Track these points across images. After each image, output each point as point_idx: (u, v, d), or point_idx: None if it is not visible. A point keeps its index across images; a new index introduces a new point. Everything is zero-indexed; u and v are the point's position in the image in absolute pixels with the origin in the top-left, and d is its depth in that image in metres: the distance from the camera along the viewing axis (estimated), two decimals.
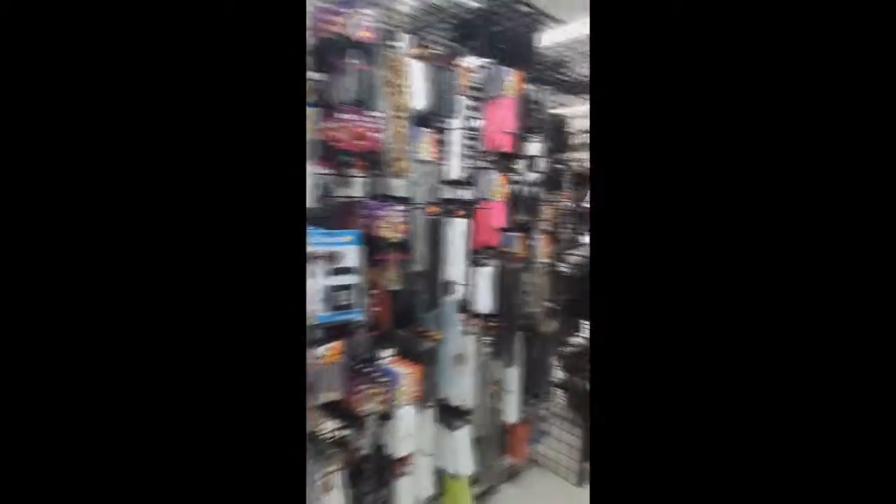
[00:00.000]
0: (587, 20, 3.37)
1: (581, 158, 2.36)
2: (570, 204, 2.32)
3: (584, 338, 2.34)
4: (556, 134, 2.20)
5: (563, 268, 2.25)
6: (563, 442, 2.28)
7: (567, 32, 3.01)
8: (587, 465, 2.16)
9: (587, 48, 2.37)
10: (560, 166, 2.24)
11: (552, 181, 2.16)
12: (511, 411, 2.01)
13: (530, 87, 1.93)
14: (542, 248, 2.05)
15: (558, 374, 2.42)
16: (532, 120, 1.95)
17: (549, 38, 2.76)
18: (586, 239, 2.37)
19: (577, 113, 2.46)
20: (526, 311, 1.99)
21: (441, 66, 1.57)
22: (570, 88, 2.23)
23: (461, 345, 1.71)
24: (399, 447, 1.51)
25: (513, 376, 2.00)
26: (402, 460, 1.55)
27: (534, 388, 2.13)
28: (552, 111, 2.20)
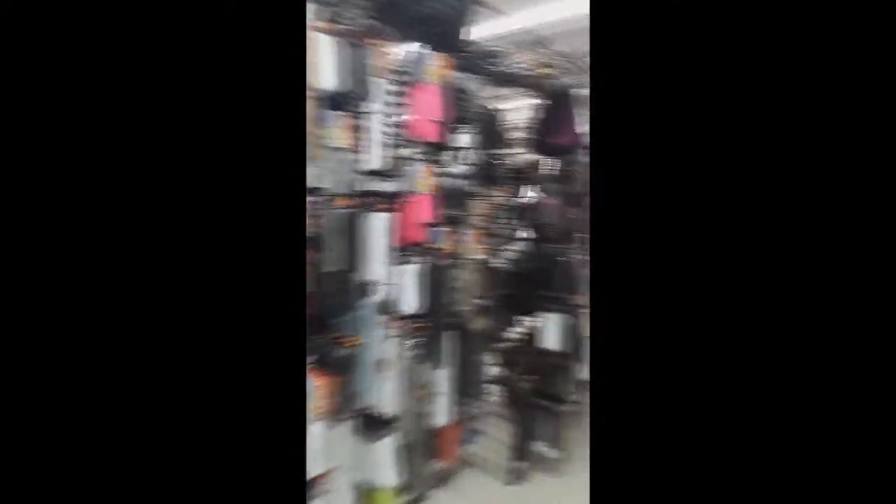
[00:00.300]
0: (528, 12, 3.36)
1: (516, 153, 2.30)
2: (505, 199, 2.26)
3: (520, 333, 2.30)
4: (489, 127, 2.12)
5: (497, 263, 2.19)
6: (496, 440, 2.23)
7: (507, 24, 2.95)
8: (518, 464, 2.12)
9: (524, 40, 2.32)
10: (494, 160, 2.16)
11: (485, 175, 2.08)
12: (441, 414, 1.92)
13: (459, 75, 1.83)
14: (472, 243, 1.96)
15: (493, 370, 2.36)
16: (462, 110, 1.85)
17: (485, 29, 2.68)
18: (522, 234, 2.32)
19: (512, 108, 2.40)
20: (455, 310, 1.90)
21: (356, 43, 1.42)
22: (504, 81, 2.15)
23: (383, 349, 1.59)
24: (311, 466, 1.36)
25: (442, 378, 1.90)
26: (317, 479, 1.40)
27: (465, 388, 2.06)
28: (485, 103, 2.12)
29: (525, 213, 2.16)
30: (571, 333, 2.08)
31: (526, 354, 2.15)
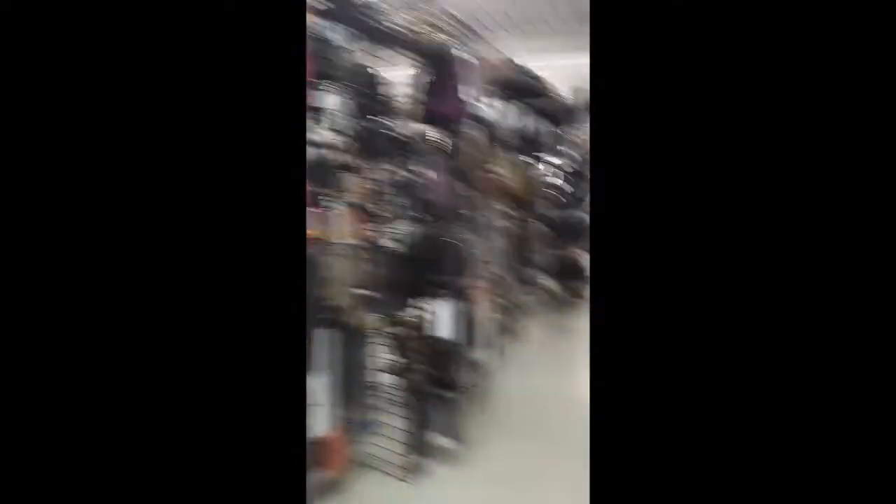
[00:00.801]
0: None
1: (397, 123, 2.04)
2: (389, 174, 2.01)
3: (408, 322, 2.10)
4: (366, 90, 1.83)
5: (380, 247, 1.95)
6: (389, 437, 2.04)
7: None
8: (414, 459, 1.96)
9: None
10: (374, 130, 1.89)
11: (364, 147, 1.81)
12: (320, 423, 1.66)
13: (322, 22, 1.51)
14: (348, 226, 1.69)
15: (381, 364, 2.15)
16: (326, 65, 1.54)
17: None
18: (406, 213, 2.10)
19: (394, 71, 2.12)
20: (330, 304, 1.63)
21: None
22: (380, 39, 1.86)
23: None
24: None
25: (318, 384, 1.63)
26: None
27: (349, 390, 1.81)
28: (360, 62, 1.82)
29: (409, 191, 1.93)
30: (464, 319, 1.93)
31: (416, 344, 1.96)
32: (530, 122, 3.47)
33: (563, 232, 4.16)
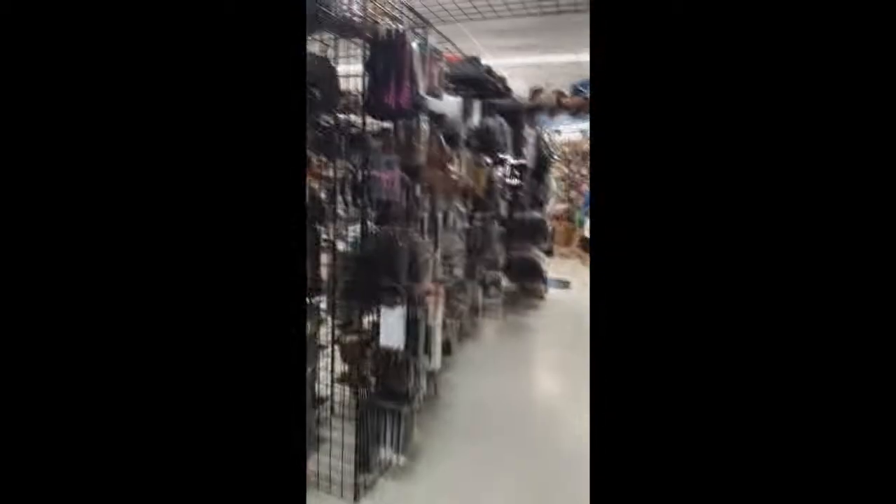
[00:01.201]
0: None
1: (345, 116, 1.89)
2: (347, 171, 1.85)
3: (356, 331, 1.96)
4: (320, 83, 1.67)
5: (329, 251, 1.80)
6: (337, 454, 1.89)
7: None
8: (365, 477, 1.82)
9: None
10: (319, 123, 1.73)
11: (315, 142, 1.65)
12: None
13: None
14: None
15: (328, 377, 2.00)
16: None
17: None
18: (354, 214, 1.95)
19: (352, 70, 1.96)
20: None
21: None
22: (325, 23, 1.70)
23: None
24: None
25: None
26: None
27: None
28: (317, 53, 1.66)
29: (358, 189, 1.78)
30: (415, 327, 1.81)
31: (365, 354, 1.83)
32: (491, 122, 3.39)
33: (523, 233, 4.12)
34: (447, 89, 2.94)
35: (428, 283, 1.91)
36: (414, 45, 1.72)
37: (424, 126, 1.88)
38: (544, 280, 4.34)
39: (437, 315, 2.02)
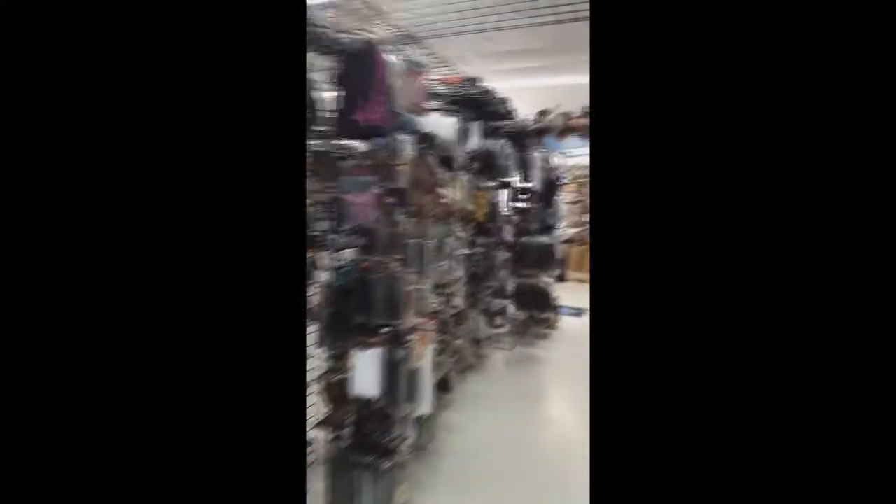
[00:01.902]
0: None
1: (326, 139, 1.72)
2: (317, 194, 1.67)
3: (328, 377, 1.73)
4: None
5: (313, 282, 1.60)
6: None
7: None
8: None
9: None
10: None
11: None
12: None
13: None
14: None
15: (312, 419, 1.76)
16: None
17: None
18: (342, 242, 1.75)
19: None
20: None
21: None
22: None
23: None
24: None
25: None
26: None
27: None
28: None
29: (337, 215, 1.59)
30: (396, 370, 1.57)
31: (338, 403, 1.59)
32: (491, 144, 3.21)
33: (531, 259, 3.87)
34: (444, 111, 2.79)
35: (412, 319, 1.68)
36: (392, 58, 1.55)
37: (409, 146, 1.69)
38: (555, 308, 4.05)
39: (424, 354, 1.78)
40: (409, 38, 1.69)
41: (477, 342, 3.36)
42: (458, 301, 2.97)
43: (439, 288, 2.74)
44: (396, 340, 1.58)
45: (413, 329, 1.71)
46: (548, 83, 5.17)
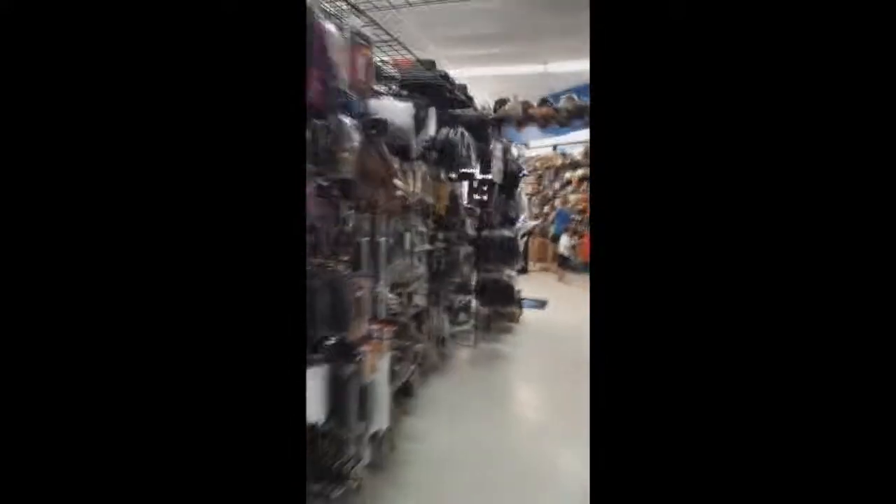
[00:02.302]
0: None
1: None
2: None
3: None
4: None
5: None
6: None
7: None
8: None
9: None
10: None
11: None
12: None
13: None
14: None
15: None
16: None
17: None
18: None
19: None
20: None
21: None
22: None
23: None
24: None
25: None
26: None
27: None
28: None
29: None
30: (344, 388, 1.37)
31: None
32: (452, 133, 3.03)
33: (493, 253, 3.74)
34: (396, 95, 2.57)
35: (362, 328, 1.47)
36: (332, 28, 1.33)
37: (355, 132, 1.47)
38: (518, 301, 3.95)
39: (378, 366, 1.58)
40: (354, 9, 1.46)
41: (441, 341, 3.20)
42: (420, 300, 2.79)
43: (398, 288, 2.55)
44: (344, 354, 1.37)
45: (366, 339, 1.51)
46: (504, 72, 5.05)
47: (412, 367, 2.48)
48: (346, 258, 1.42)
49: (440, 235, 3.09)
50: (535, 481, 1.93)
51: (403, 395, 2.69)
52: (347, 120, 1.41)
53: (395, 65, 2.78)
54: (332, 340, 1.35)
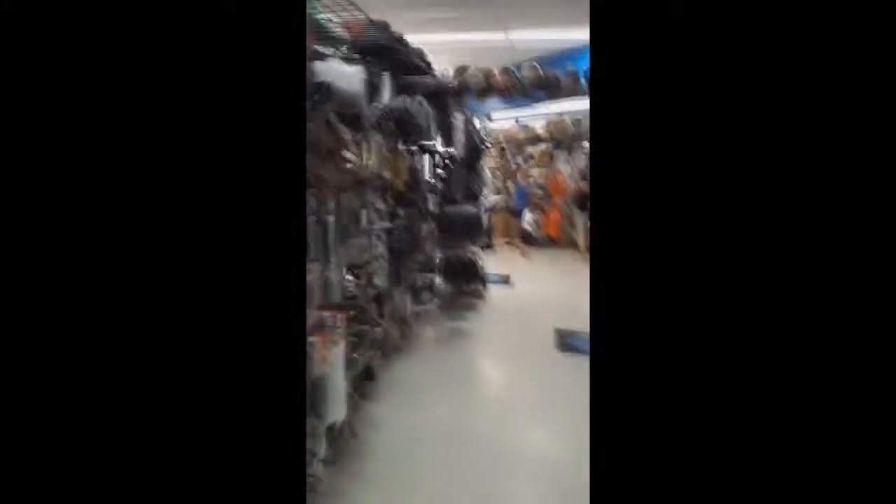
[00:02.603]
0: None
1: None
2: None
3: None
4: None
5: None
6: None
7: None
8: None
9: None
10: None
11: None
12: None
13: None
14: None
15: None
16: None
17: None
18: None
19: None
20: None
21: None
22: None
23: None
24: None
25: None
26: None
27: None
28: None
29: None
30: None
31: None
32: (409, 101, 2.84)
33: (457, 229, 3.63)
34: (345, 59, 2.34)
35: (309, 317, 1.32)
36: None
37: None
38: (483, 279, 3.89)
39: (329, 357, 1.44)
40: None
41: (403, 322, 3.09)
42: (380, 281, 2.65)
43: (356, 269, 2.39)
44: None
45: (314, 328, 1.36)
46: (463, 39, 4.81)
47: (372, 351, 2.36)
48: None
49: (400, 212, 2.92)
50: (502, 463, 1.88)
51: (365, 379, 2.57)
52: None
53: (346, 27, 2.52)
54: None
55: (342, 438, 1.82)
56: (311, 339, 1.33)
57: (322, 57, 2.01)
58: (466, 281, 3.79)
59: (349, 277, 2.37)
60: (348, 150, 1.80)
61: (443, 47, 4.17)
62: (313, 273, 1.40)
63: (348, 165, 1.65)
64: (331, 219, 1.56)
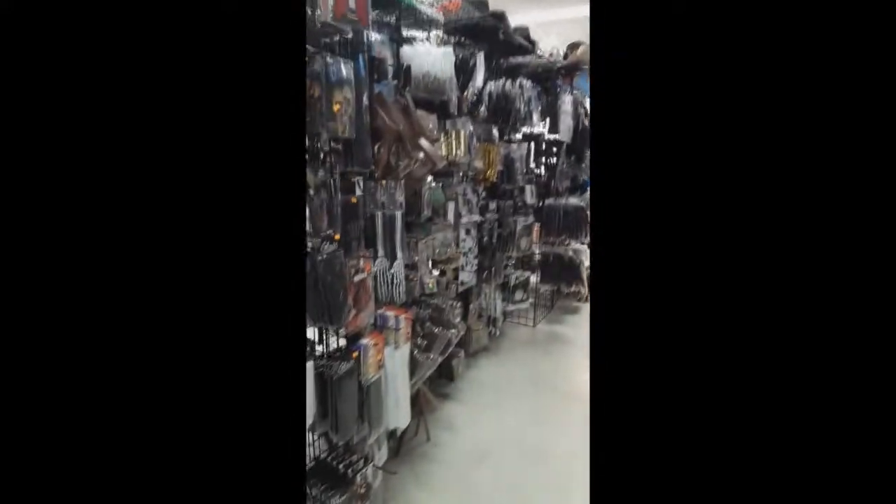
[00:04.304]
0: None
1: None
2: None
3: None
4: None
5: None
6: None
7: None
8: None
9: None
10: None
11: None
12: None
13: None
14: None
15: None
16: None
17: None
18: None
19: None
20: None
21: None
22: None
23: None
24: None
25: None
26: None
27: None
28: None
29: None
30: (336, 388, 1.13)
31: None
32: (508, 85, 2.58)
33: (557, 224, 3.28)
34: (442, 42, 2.19)
35: (363, 318, 1.22)
36: None
37: (351, 77, 1.16)
38: (585, 281, 3.46)
39: (386, 361, 1.33)
40: None
41: (491, 321, 2.90)
42: (467, 277, 2.50)
43: (439, 265, 2.27)
44: (335, 349, 1.13)
45: (371, 329, 1.26)
46: (577, 14, 4.29)
47: (451, 350, 2.23)
48: (336, 237, 1.16)
49: (493, 205, 2.72)
50: (578, 488, 1.60)
51: (446, 377, 2.46)
52: (337, 61, 1.10)
53: (441, 8, 2.37)
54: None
55: (409, 443, 1.73)
56: (363, 341, 1.23)
57: (410, 41, 1.89)
58: (566, 281, 3.42)
59: (435, 272, 2.26)
60: (428, 138, 1.66)
61: (554, 24, 3.76)
62: (368, 271, 1.29)
63: (421, 155, 1.51)
64: (398, 213, 1.44)
